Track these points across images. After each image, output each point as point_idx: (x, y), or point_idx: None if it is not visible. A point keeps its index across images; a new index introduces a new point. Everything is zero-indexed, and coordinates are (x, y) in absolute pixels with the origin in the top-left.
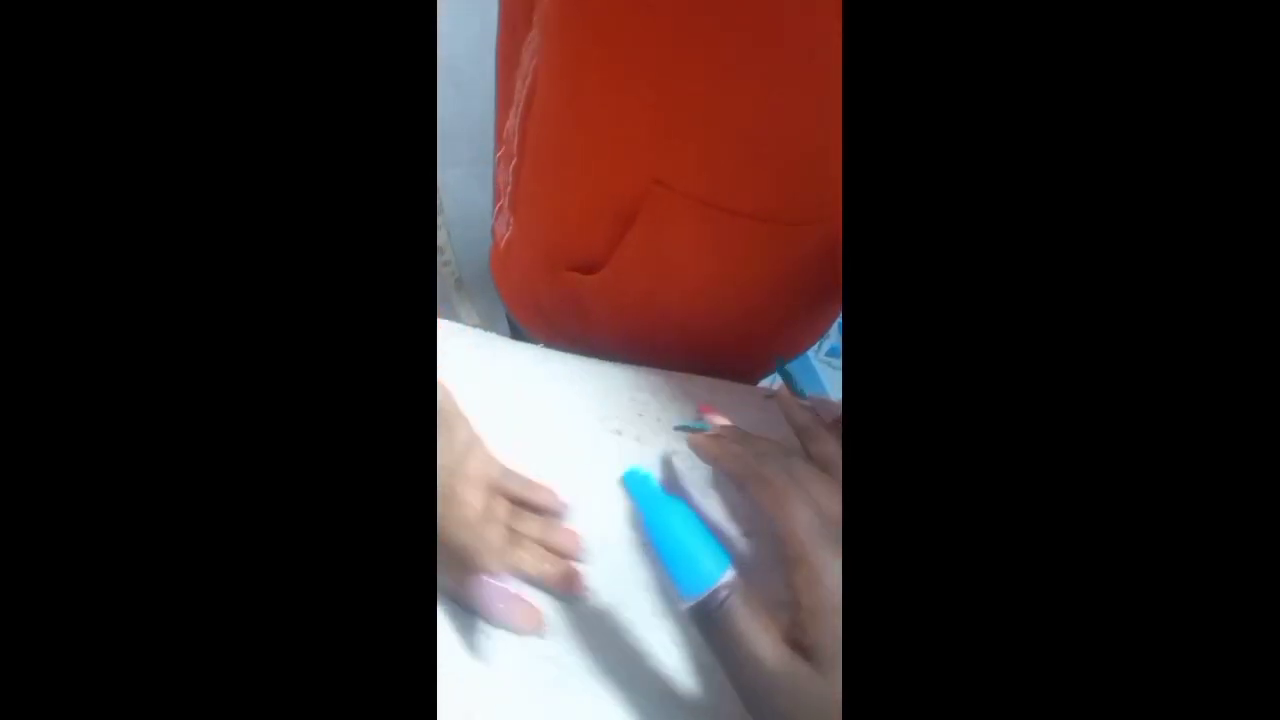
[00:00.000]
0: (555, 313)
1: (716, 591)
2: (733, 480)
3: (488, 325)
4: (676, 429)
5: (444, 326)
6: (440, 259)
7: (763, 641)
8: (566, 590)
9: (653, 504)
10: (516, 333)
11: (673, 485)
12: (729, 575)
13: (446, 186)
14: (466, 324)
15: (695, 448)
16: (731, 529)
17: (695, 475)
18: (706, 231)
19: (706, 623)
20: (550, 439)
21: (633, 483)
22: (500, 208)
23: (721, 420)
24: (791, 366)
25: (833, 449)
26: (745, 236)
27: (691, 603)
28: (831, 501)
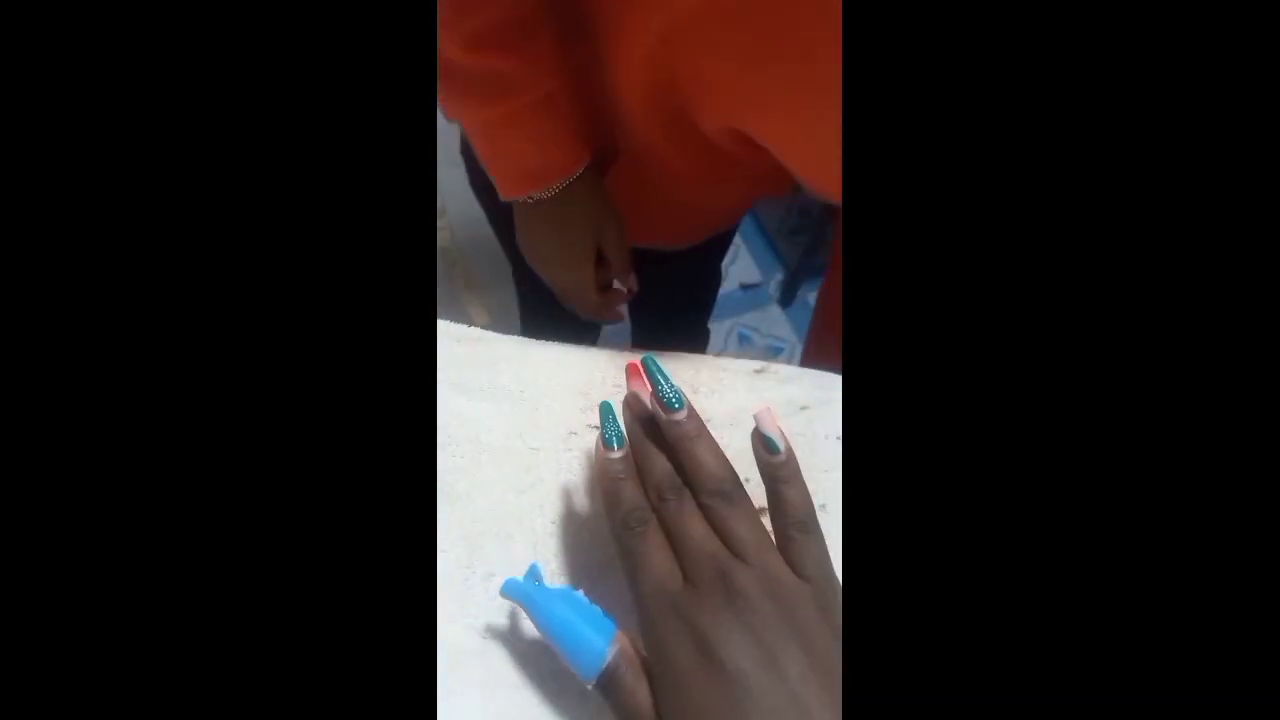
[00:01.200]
0: None
1: (605, 668)
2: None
3: (497, 323)
4: (644, 361)
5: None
6: (445, 260)
7: (642, 707)
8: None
9: (535, 600)
10: (526, 312)
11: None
12: (614, 646)
13: (447, 187)
14: (476, 323)
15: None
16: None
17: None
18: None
19: (606, 696)
20: (529, 431)
21: (513, 589)
22: None
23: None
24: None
25: (706, 471)
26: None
27: (593, 683)
28: (690, 551)
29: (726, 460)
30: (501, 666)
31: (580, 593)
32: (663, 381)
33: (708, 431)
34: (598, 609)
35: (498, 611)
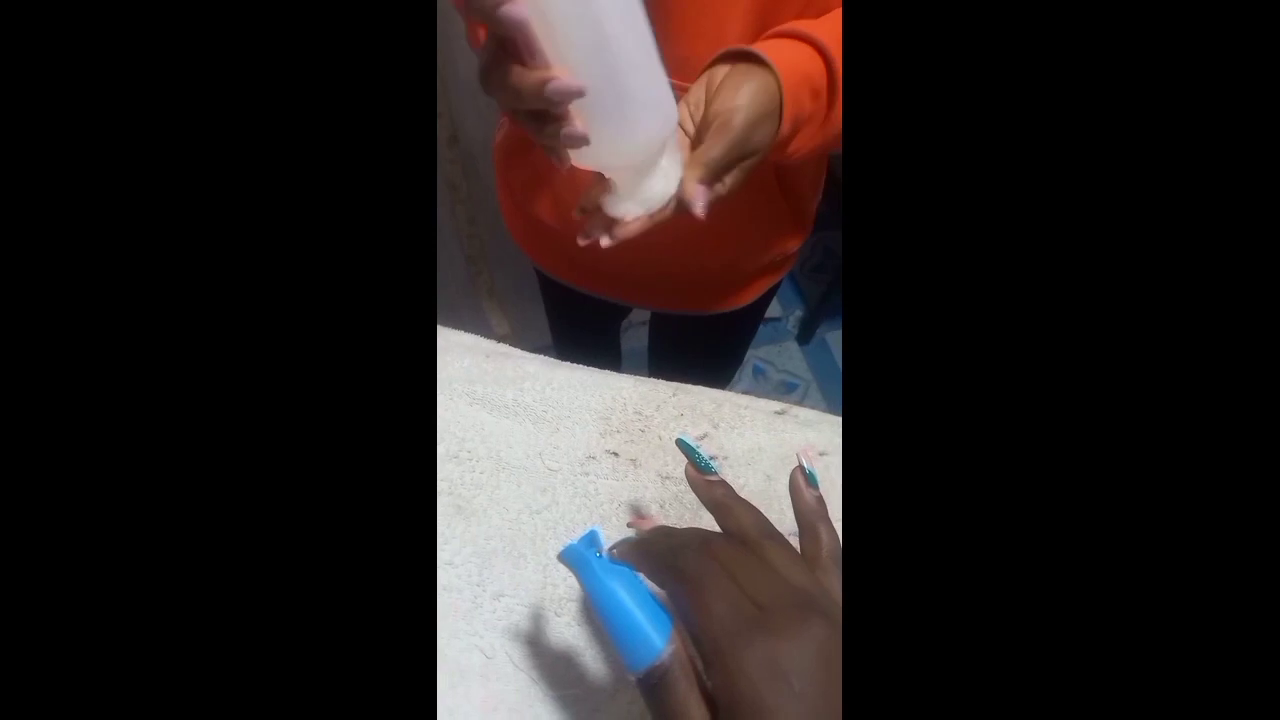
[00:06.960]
0: (553, 226)
1: (658, 664)
2: (652, 578)
3: (517, 334)
4: (678, 443)
5: (453, 338)
6: (473, 269)
7: (691, 715)
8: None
9: (594, 576)
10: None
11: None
12: (671, 646)
13: (474, 195)
14: (497, 333)
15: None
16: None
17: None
18: None
19: (649, 694)
20: (549, 451)
21: (572, 557)
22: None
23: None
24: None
25: (750, 520)
26: None
27: (637, 675)
28: (754, 581)
29: (760, 512)
30: (503, 688)
31: (640, 577)
32: (698, 455)
33: (738, 495)
34: (655, 599)
35: (503, 633)
